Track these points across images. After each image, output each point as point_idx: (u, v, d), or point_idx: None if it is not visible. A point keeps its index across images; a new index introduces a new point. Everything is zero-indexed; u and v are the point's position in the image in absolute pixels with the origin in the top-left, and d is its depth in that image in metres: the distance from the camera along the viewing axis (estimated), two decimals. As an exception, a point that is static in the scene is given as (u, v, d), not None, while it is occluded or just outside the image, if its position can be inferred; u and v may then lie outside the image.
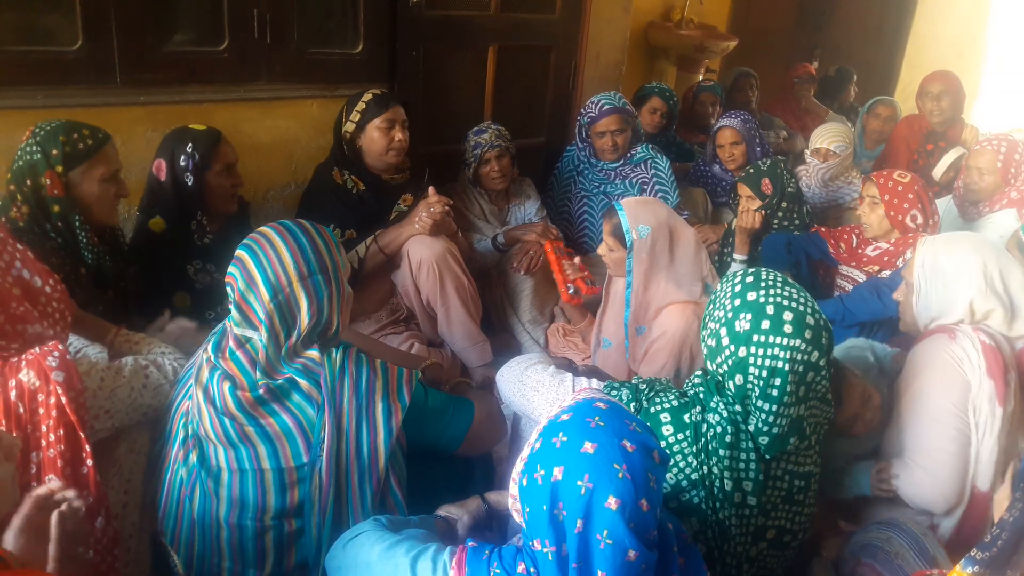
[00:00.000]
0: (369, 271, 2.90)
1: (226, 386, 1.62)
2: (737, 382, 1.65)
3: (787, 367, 1.60)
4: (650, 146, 3.75)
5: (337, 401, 1.62)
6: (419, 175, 3.14)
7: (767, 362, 1.60)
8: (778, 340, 1.60)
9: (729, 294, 1.70)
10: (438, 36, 3.50)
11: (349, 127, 2.90)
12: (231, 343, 1.64)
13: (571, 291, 2.88)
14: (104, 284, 2.23)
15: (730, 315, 1.66)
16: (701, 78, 5.26)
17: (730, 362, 1.65)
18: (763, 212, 3.32)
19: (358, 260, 2.85)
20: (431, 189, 2.92)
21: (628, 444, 1.21)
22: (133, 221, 2.58)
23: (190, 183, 2.43)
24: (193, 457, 1.70)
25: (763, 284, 1.67)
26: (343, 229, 2.87)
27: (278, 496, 1.64)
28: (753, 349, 1.62)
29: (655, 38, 5.14)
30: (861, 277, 3.04)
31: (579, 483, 1.18)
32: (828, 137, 3.93)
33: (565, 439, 1.22)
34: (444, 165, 3.48)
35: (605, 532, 1.16)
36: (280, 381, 1.62)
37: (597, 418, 1.25)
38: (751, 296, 1.65)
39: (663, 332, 2.40)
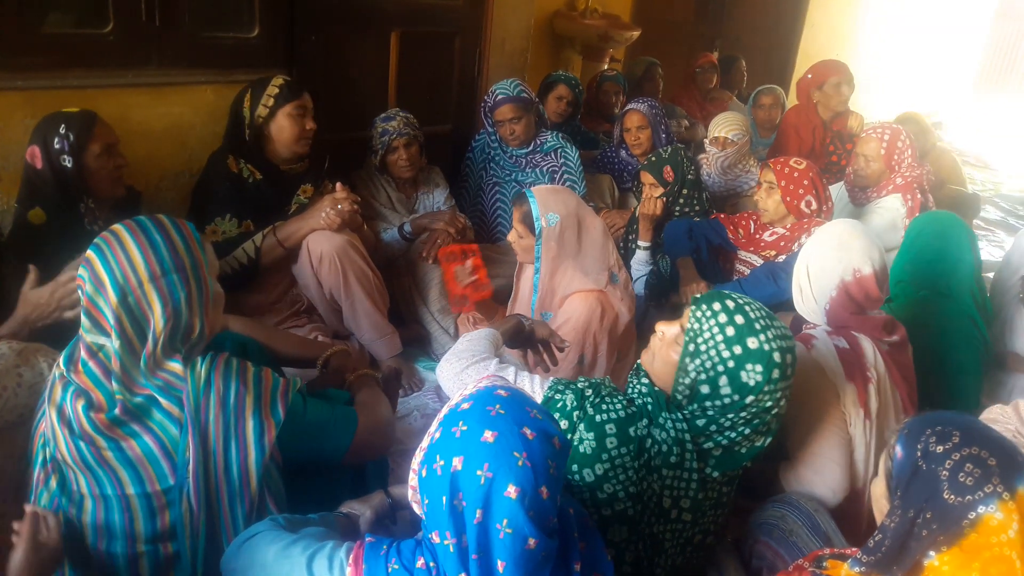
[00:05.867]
0: (267, 265, 2.80)
1: (80, 405, 1.48)
2: (729, 419, 1.64)
3: (783, 401, 1.66)
4: (560, 135, 3.77)
5: (202, 419, 1.50)
6: (319, 164, 3.06)
7: (770, 403, 1.63)
8: (782, 385, 1.63)
9: (721, 338, 1.62)
10: (338, 19, 3.40)
11: (262, 111, 2.79)
12: (83, 353, 1.51)
13: (456, 303, 2.85)
14: (-24, 281, 2.09)
15: (731, 364, 1.60)
16: (606, 67, 5.32)
17: (727, 405, 1.63)
18: (665, 199, 3.38)
19: (254, 249, 2.75)
20: (339, 185, 2.83)
21: (528, 432, 1.19)
22: (12, 215, 2.42)
23: (69, 167, 2.28)
24: (53, 483, 1.56)
25: (759, 326, 1.62)
26: (240, 220, 2.76)
27: (147, 521, 1.52)
28: (762, 396, 1.61)
29: (560, 27, 5.16)
30: (758, 261, 3.13)
31: (479, 472, 1.15)
32: (725, 126, 4.03)
33: (465, 428, 1.20)
34: (345, 153, 3.39)
35: (505, 521, 1.14)
36: (138, 399, 1.49)
37: (498, 406, 1.22)
38: (753, 344, 1.60)
39: (567, 319, 2.43)
